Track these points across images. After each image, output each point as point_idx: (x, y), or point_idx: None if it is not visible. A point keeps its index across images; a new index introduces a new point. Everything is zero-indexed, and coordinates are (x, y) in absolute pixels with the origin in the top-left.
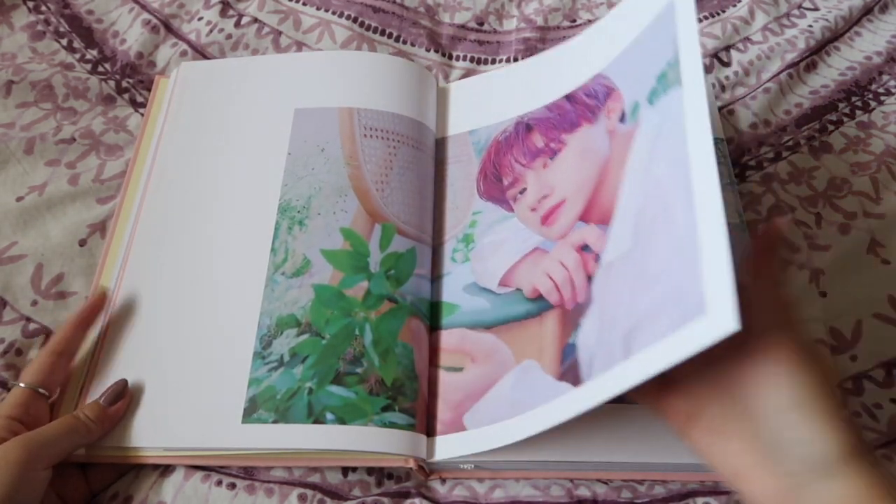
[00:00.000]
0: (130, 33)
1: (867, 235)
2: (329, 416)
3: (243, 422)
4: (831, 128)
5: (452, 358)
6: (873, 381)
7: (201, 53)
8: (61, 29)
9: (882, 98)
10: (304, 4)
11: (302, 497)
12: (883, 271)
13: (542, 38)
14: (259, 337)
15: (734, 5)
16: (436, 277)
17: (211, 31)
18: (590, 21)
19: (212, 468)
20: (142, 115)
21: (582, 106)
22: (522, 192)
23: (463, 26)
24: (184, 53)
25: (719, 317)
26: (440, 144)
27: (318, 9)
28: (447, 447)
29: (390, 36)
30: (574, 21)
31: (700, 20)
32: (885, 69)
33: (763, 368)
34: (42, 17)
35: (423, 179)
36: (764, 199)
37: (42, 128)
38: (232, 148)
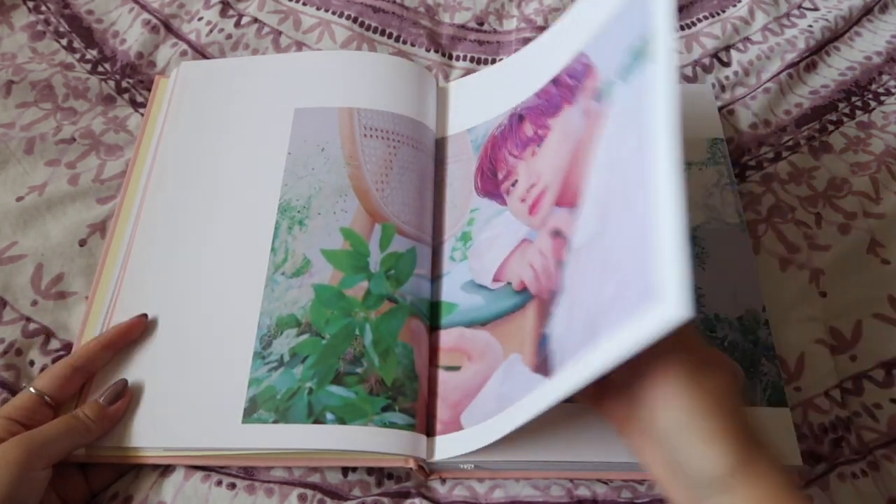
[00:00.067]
0: (130, 33)
1: (867, 235)
2: (329, 416)
3: (243, 422)
4: (831, 128)
5: (451, 357)
6: (873, 381)
7: (201, 53)
8: (61, 29)
9: (882, 98)
10: (304, 4)
11: (302, 497)
12: (883, 271)
13: None
14: (259, 337)
15: (734, 5)
16: (435, 277)
17: (211, 31)
18: None
19: (212, 468)
20: (142, 115)
21: (565, 88)
22: (514, 184)
23: (463, 26)
24: (184, 53)
25: (671, 305)
26: (440, 144)
27: (318, 9)
28: (447, 447)
29: (390, 36)
30: None
31: (700, 20)
32: (885, 69)
33: (652, 392)
34: (42, 17)
35: (423, 179)
36: (764, 199)
37: (42, 128)
38: (232, 148)
